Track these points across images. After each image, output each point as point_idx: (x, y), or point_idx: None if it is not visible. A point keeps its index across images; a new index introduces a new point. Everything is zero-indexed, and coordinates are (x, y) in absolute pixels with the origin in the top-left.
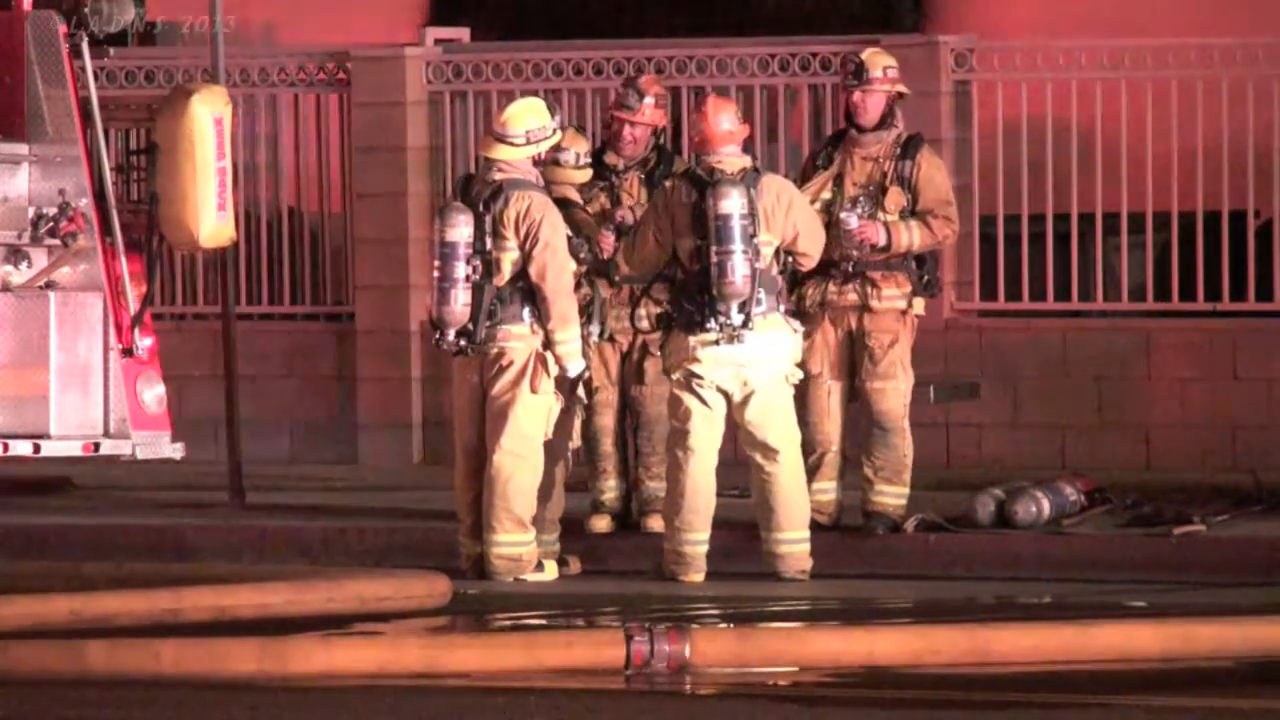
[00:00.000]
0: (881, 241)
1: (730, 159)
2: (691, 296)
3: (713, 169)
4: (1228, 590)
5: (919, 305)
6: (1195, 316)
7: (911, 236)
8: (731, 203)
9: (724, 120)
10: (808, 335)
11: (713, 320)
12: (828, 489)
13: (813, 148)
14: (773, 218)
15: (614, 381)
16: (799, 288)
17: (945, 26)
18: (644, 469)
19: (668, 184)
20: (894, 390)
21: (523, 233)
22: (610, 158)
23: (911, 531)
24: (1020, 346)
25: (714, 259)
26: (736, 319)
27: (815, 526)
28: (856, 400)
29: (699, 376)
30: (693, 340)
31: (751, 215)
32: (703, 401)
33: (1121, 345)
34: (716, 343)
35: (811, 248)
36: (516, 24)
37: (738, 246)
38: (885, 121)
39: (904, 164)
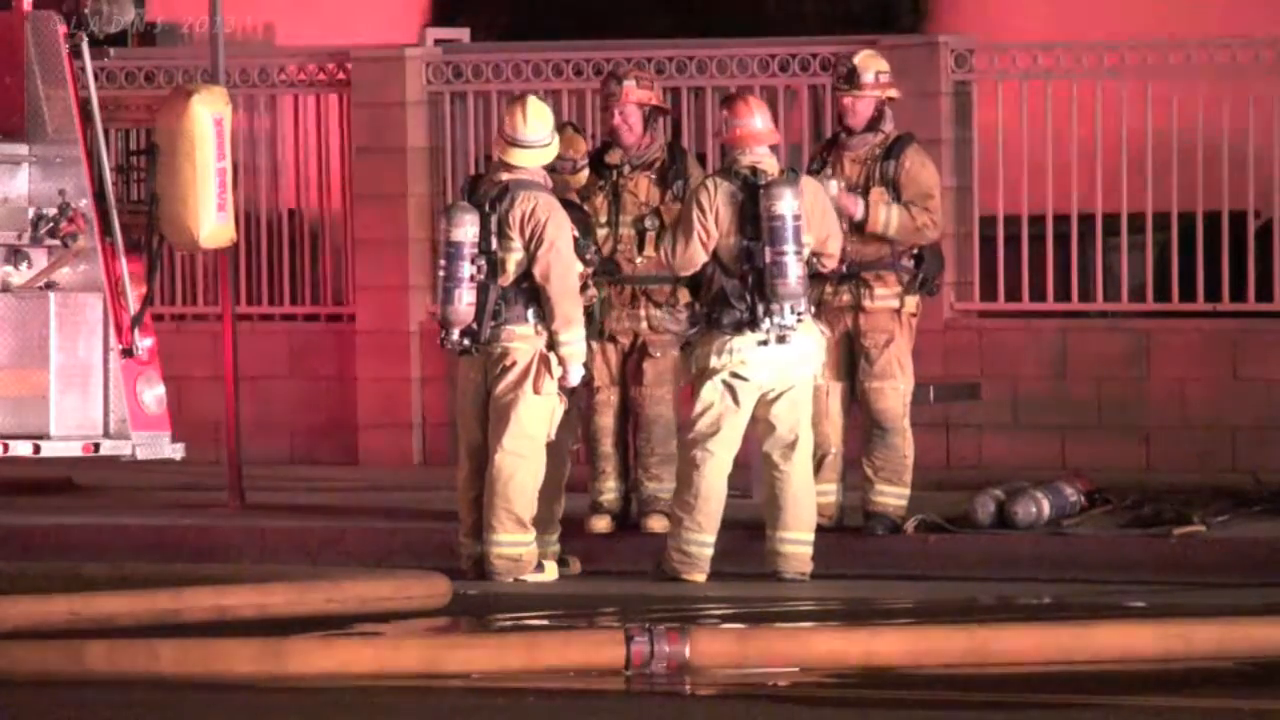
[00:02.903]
0: (859, 214)
1: (767, 159)
2: (741, 297)
3: (755, 169)
4: (1228, 590)
5: (911, 304)
6: (1195, 317)
7: (889, 217)
8: (786, 204)
9: (760, 119)
10: None
11: (767, 320)
12: (829, 491)
13: (810, 154)
14: (812, 219)
15: (615, 381)
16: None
17: (945, 26)
18: (643, 470)
19: (709, 183)
20: (892, 390)
21: (528, 233)
22: (611, 156)
23: (911, 532)
24: (1020, 346)
25: (769, 259)
26: (790, 319)
27: (817, 529)
28: (857, 401)
29: (744, 379)
30: (738, 341)
31: (800, 216)
32: (737, 404)
33: (1121, 345)
34: (766, 343)
35: (837, 249)
36: (516, 24)
37: (791, 247)
38: (874, 125)
39: (887, 164)
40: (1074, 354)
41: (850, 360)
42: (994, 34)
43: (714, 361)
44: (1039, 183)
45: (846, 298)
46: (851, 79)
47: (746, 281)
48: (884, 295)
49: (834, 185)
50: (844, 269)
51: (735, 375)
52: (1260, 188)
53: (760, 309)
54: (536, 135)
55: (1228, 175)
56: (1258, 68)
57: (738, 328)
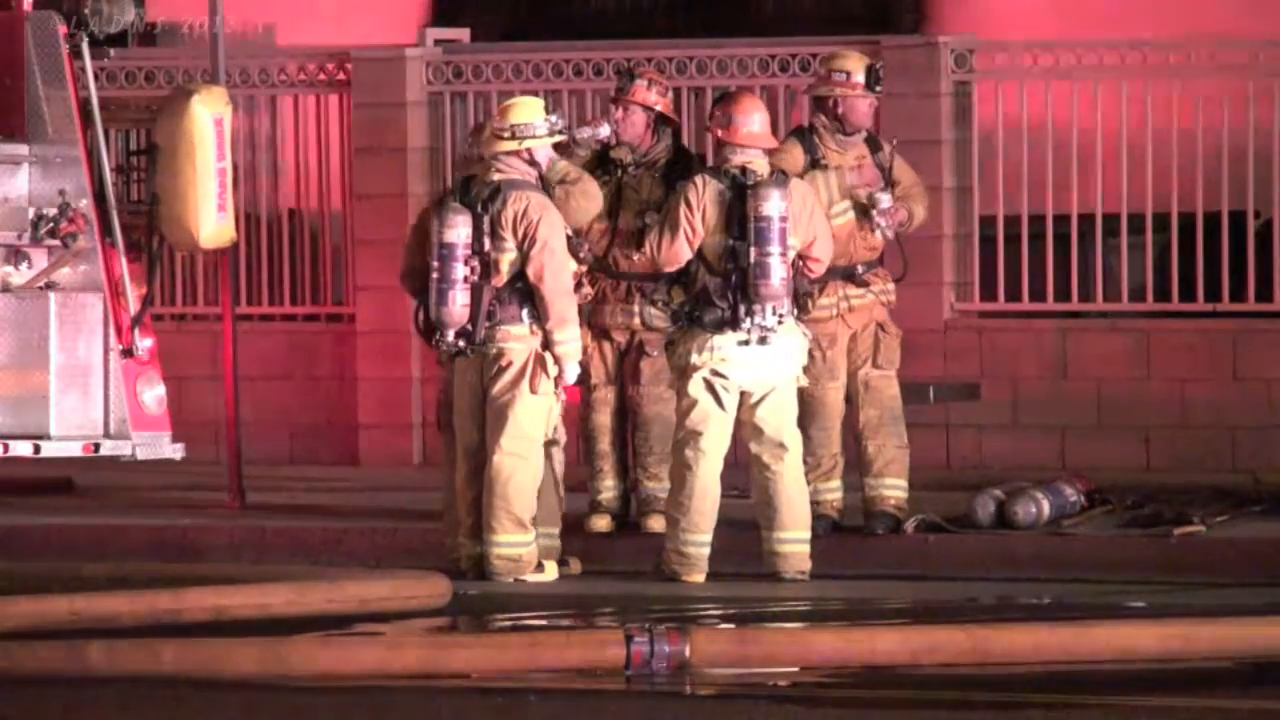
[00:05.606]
0: (904, 219)
1: (758, 161)
2: (723, 295)
3: (745, 169)
4: (1228, 590)
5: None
6: (1195, 317)
7: (920, 213)
8: (773, 205)
9: (760, 122)
10: (830, 342)
11: (748, 320)
12: (838, 487)
13: (798, 150)
14: (799, 222)
15: (611, 380)
16: (811, 297)
17: (945, 26)
18: (642, 469)
19: (698, 180)
20: (895, 377)
21: (520, 233)
22: (618, 152)
23: (911, 531)
24: (1020, 347)
25: (754, 260)
26: (770, 320)
27: (831, 525)
28: (858, 396)
29: (724, 377)
30: (719, 340)
31: (787, 218)
32: (719, 403)
33: (1121, 345)
34: (747, 343)
35: (825, 254)
36: (516, 24)
37: (776, 249)
38: None
39: (879, 157)
40: (1074, 354)
41: (856, 357)
42: (994, 34)
43: (694, 359)
44: (1039, 183)
45: (870, 297)
46: (880, 80)
47: (730, 280)
48: (890, 289)
49: (886, 198)
50: (863, 272)
51: (716, 373)
52: (1260, 188)
53: (742, 309)
54: (503, 124)
55: (1228, 175)
56: (1258, 68)
57: (719, 326)
